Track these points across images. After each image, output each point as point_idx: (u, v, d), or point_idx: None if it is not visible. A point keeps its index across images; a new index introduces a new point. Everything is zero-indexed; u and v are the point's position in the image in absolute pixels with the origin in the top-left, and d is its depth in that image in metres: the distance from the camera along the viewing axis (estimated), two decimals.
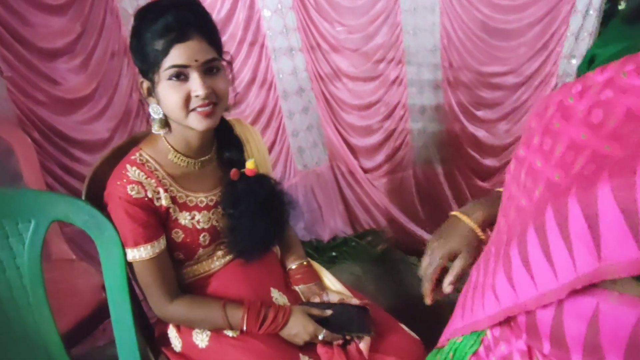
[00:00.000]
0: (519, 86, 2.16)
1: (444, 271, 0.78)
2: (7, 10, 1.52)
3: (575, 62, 2.04)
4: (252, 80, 2.09)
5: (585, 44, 2.01)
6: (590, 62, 0.60)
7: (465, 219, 0.77)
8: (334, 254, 2.40)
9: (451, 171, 2.38)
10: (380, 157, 2.36)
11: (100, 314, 1.34)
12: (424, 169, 2.42)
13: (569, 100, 0.52)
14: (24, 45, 1.59)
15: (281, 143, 2.22)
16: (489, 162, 2.31)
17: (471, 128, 2.26)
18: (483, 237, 0.77)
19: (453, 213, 0.79)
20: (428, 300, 0.79)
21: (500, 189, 0.75)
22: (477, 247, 0.76)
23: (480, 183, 2.34)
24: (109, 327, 1.02)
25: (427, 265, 0.78)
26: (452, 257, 0.76)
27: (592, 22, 1.99)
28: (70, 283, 1.43)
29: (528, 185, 0.54)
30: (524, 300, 0.49)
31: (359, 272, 2.32)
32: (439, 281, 0.78)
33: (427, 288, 0.78)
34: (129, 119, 1.96)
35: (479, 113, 2.23)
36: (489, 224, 0.77)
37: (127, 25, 1.89)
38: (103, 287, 1.42)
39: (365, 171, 2.38)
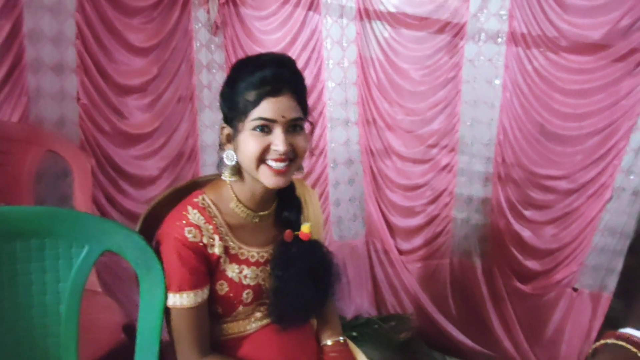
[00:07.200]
0: (571, 192, 2.11)
1: None
2: (99, 46, 1.64)
3: (633, 177, 2.00)
4: None
5: None
6: None
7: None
8: (354, 334, 2.28)
9: (490, 268, 2.28)
10: (418, 240, 2.30)
11: (115, 356, 1.27)
12: (462, 260, 2.33)
13: None
14: (104, 78, 1.69)
15: (322, 210, 2.21)
16: (531, 264, 2.21)
17: (517, 226, 2.19)
18: None
19: (614, 342, 0.61)
20: None
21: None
22: None
23: (519, 285, 2.22)
24: None
25: None
26: None
27: None
28: (92, 317, 1.38)
29: None
30: None
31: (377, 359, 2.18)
32: None
33: None
34: (180, 161, 2.01)
35: (527, 213, 2.17)
36: None
37: (199, 75, 1.99)
38: (123, 328, 1.38)
39: (401, 253, 2.31)
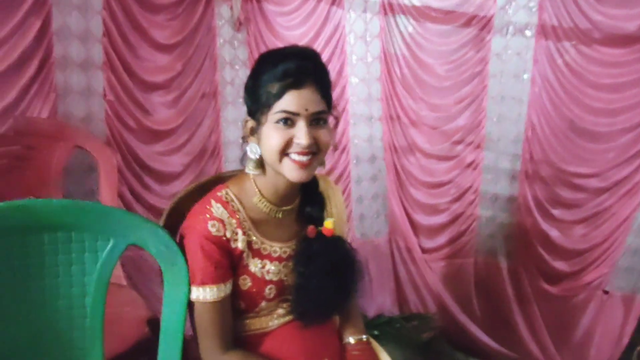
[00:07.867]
0: (602, 191, 2.04)
1: None
2: (125, 43, 1.66)
3: None
4: None
5: None
6: None
7: None
8: (376, 332, 2.26)
9: (516, 268, 2.23)
10: (442, 239, 2.26)
11: (139, 350, 1.28)
12: (487, 260, 2.28)
13: None
14: (129, 74, 1.71)
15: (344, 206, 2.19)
16: (559, 265, 2.15)
17: (544, 226, 2.13)
18: None
19: None
20: None
21: None
22: None
23: (546, 286, 2.16)
24: None
25: None
26: None
27: None
28: (117, 310, 1.39)
29: None
30: None
31: (399, 359, 2.15)
32: None
33: None
34: (203, 157, 2.02)
35: (555, 211, 2.11)
36: None
37: (222, 71, 2.00)
38: (147, 322, 1.39)
39: (424, 251, 2.28)
